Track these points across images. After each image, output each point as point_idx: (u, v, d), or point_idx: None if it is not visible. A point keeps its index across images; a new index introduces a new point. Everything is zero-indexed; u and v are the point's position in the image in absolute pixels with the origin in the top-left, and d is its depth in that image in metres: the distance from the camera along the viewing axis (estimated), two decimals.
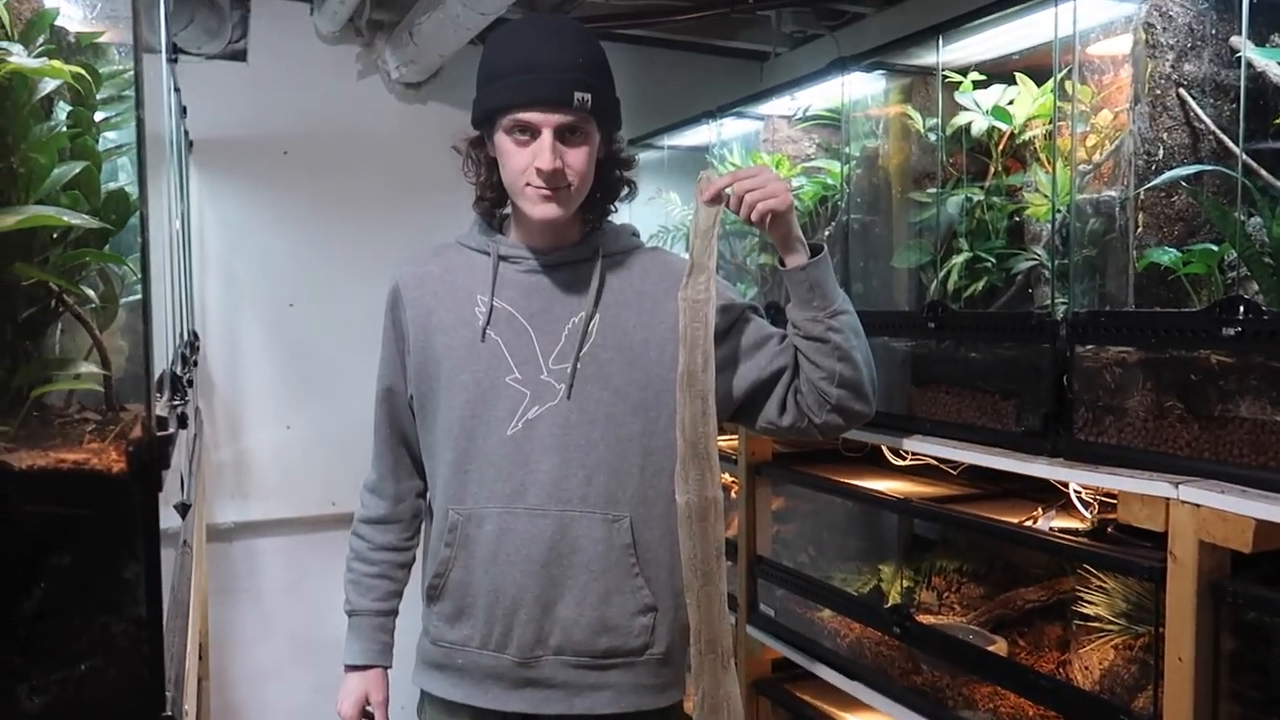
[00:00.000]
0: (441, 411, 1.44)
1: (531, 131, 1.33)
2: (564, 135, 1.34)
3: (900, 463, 2.09)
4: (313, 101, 2.77)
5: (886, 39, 1.97)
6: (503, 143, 1.36)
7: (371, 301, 1.48)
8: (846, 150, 2.08)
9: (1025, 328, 1.53)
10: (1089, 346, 1.43)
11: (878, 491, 1.92)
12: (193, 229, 2.65)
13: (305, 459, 2.78)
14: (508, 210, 1.51)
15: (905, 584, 2.09)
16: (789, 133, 2.42)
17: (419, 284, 1.49)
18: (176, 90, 2.02)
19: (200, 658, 2.51)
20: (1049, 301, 1.61)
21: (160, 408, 0.68)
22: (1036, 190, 1.65)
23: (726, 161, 2.52)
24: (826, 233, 2.17)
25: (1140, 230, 1.48)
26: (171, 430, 0.62)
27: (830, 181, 2.20)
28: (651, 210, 2.93)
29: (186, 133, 2.47)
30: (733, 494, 2.43)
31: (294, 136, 2.75)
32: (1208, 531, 1.20)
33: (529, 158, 1.34)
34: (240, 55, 2.73)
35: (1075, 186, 1.49)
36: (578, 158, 1.35)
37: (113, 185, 0.95)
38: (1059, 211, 1.54)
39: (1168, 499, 1.25)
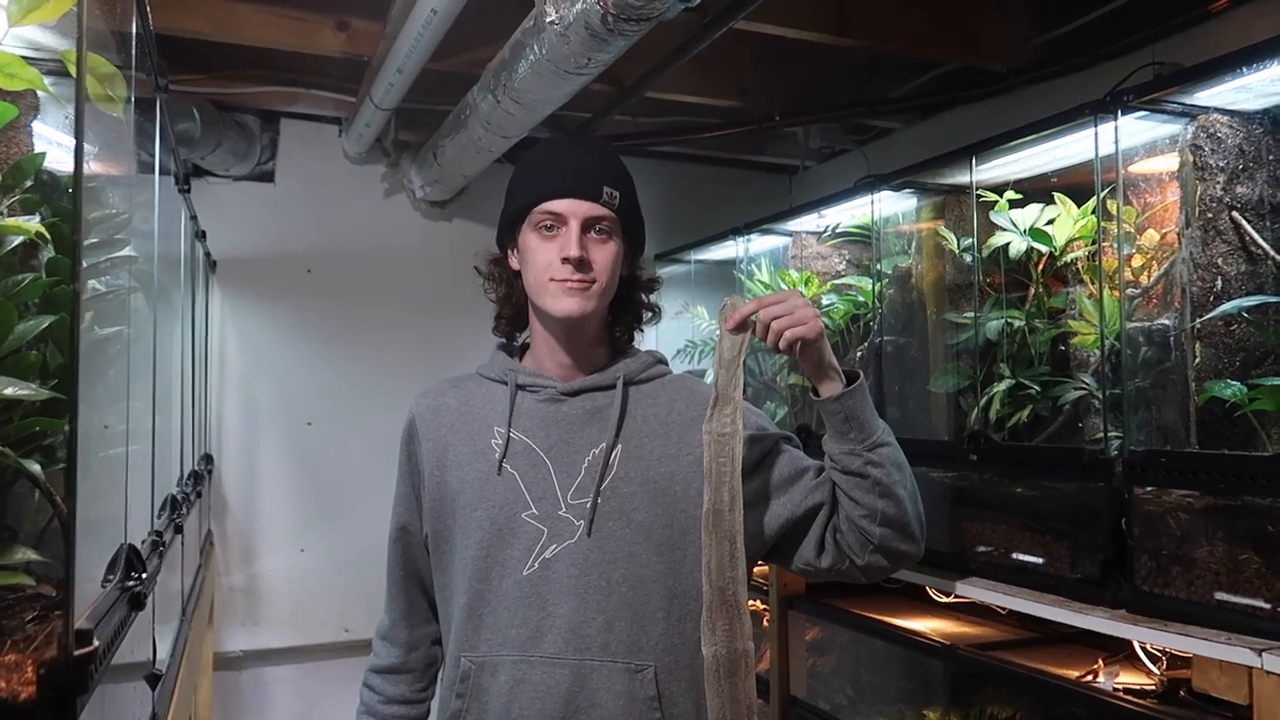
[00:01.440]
0: (457, 550, 1.36)
1: (558, 223, 1.31)
2: (591, 230, 1.31)
3: (944, 599, 1.95)
4: (338, 220, 2.77)
5: (915, 153, 1.93)
6: (528, 241, 1.33)
7: (390, 421, 1.43)
8: (878, 268, 2.01)
9: (1077, 465, 1.42)
10: (1149, 488, 1.32)
11: (920, 634, 1.78)
12: (213, 348, 2.62)
13: (319, 584, 2.68)
14: (528, 338, 1.45)
15: None
16: (818, 249, 2.37)
17: (435, 416, 1.43)
18: (193, 217, 2.00)
19: None
20: (1100, 435, 1.49)
21: (93, 607, 0.60)
22: (1081, 316, 1.56)
23: (755, 279, 2.46)
24: (859, 353, 2.09)
25: (1198, 361, 1.38)
26: (94, 646, 0.53)
27: (861, 299, 2.12)
28: (679, 325, 2.88)
29: (208, 253, 2.46)
30: (764, 623, 2.29)
31: (318, 255, 2.75)
32: None
33: (555, 250, 1.30)
34: (268, 176, 2.75)
35: (1124, 314, 1.39)
36: (604, 255, 1.32)
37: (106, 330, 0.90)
38: (1107, 339, 1.45)
39: (1250, 668, 1.11)
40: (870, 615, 1.93)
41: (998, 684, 1.70)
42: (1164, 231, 1.53)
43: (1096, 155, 1.47)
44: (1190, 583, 1.25)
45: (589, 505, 1.30)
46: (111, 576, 0.72)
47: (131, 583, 0.74)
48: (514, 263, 1.38)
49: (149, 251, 1.35)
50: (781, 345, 1.25)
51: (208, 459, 2.42)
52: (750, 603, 2.38)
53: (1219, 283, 1.31)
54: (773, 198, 3.06)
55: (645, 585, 1.29)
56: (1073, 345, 1.61)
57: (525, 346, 1.47)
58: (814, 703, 2.10)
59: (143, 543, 0.99)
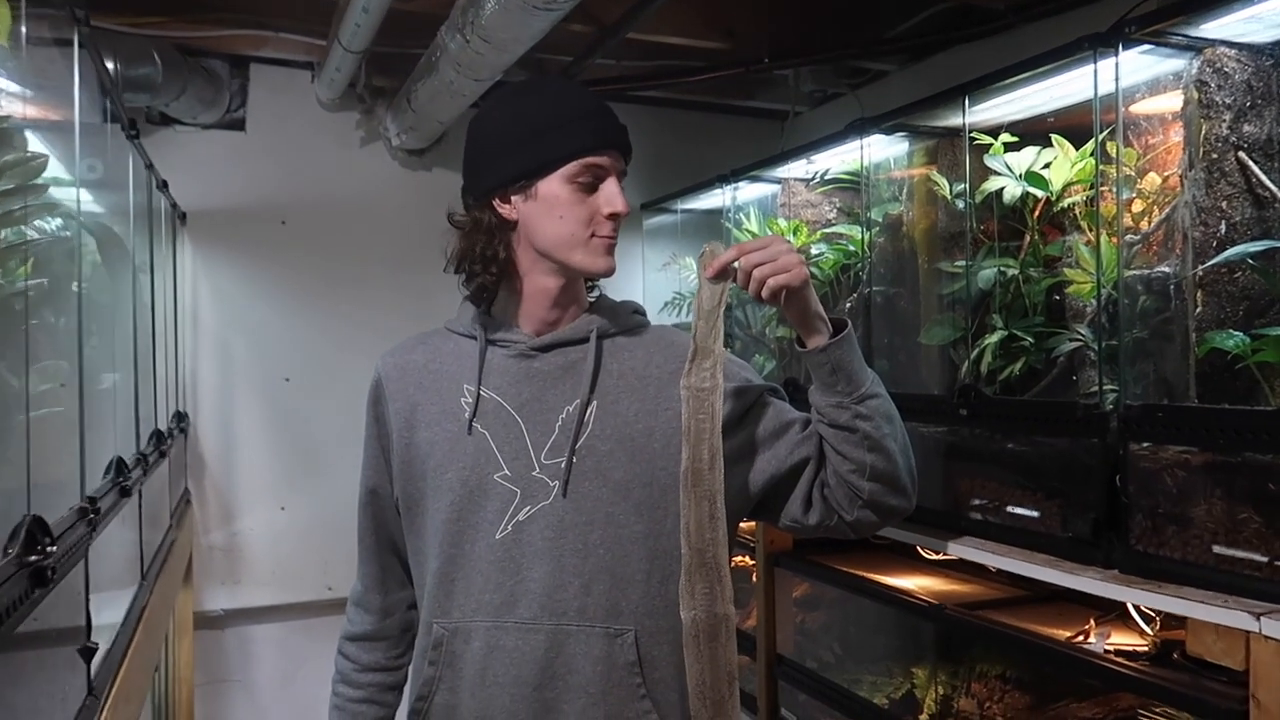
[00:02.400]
0: (428, 514, 1.31)
1: (596, 177, 1.25)
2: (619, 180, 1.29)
3: (934, 556, 1.91)
4: (313, 169, 2.68)
5: (910, 96, 1.84)
6: (560, 193, 1.25)
7: (370, 376, 1.38)
8: (868, 215, 1.93)
9: (1071, 420, 1.36)
10: (1145, 444, 1.26)
11: (908, 593, 1.73)
12: (185, 303, 2.55)
13: (300, 542, 2.64)
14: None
15: (941, 690, 1.89)
16: (807, 196, 2.28)
17: (402, 374, 1.36)
18: (149, 165, 1.92)
19: None
20: (1095, 388, 1.43)
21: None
22: (1078, 265, 1.49)
23: (743, 228, 2.38)
24: (848, 304, 2.02)
25: (1199, 310, 1.31)
26: None
27: (851, 248, 2.05)
28: (665, 277, 2.80)
29: (174, 205, 2.38)
30: (751, 579, 2.26)
31: (292, 206, 2.66)
32: None
33: (593, 205, 1.25)
34: (238, 124, 2.65)
35: (1123, 261, 1.32)
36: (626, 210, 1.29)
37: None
38: (1104, 288, 1.38)
39: (1248, 632, 1.06)
40: (858, 573, 1.89)
41: (987, 643, 1.66)
42: (1165, 175, 1.46)
43: (1095, 93, 1.38)
44: (1186, 543, 1.20)
45: (564, 465, 1.25)
46: (10, 550, 0.66)
47: (35, 557, 0.68)
48: (509, 213, 1.29)
49: (97, 202, 1.27)
50: (764, 294, 1.18)
51: (180, 417, 2.36)
52: (737, 559, 2.34)
53: (1223, 228, 1.24)
54: (764, 146, 2.96)
55: (624, 546, 1.24)
56: (1069, 295, 1.54)
57: (493, 298, 1.41)
58: (801, 660, 2.06)
59: (74, 509, 0.93)
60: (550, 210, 1.25)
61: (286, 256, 2.65)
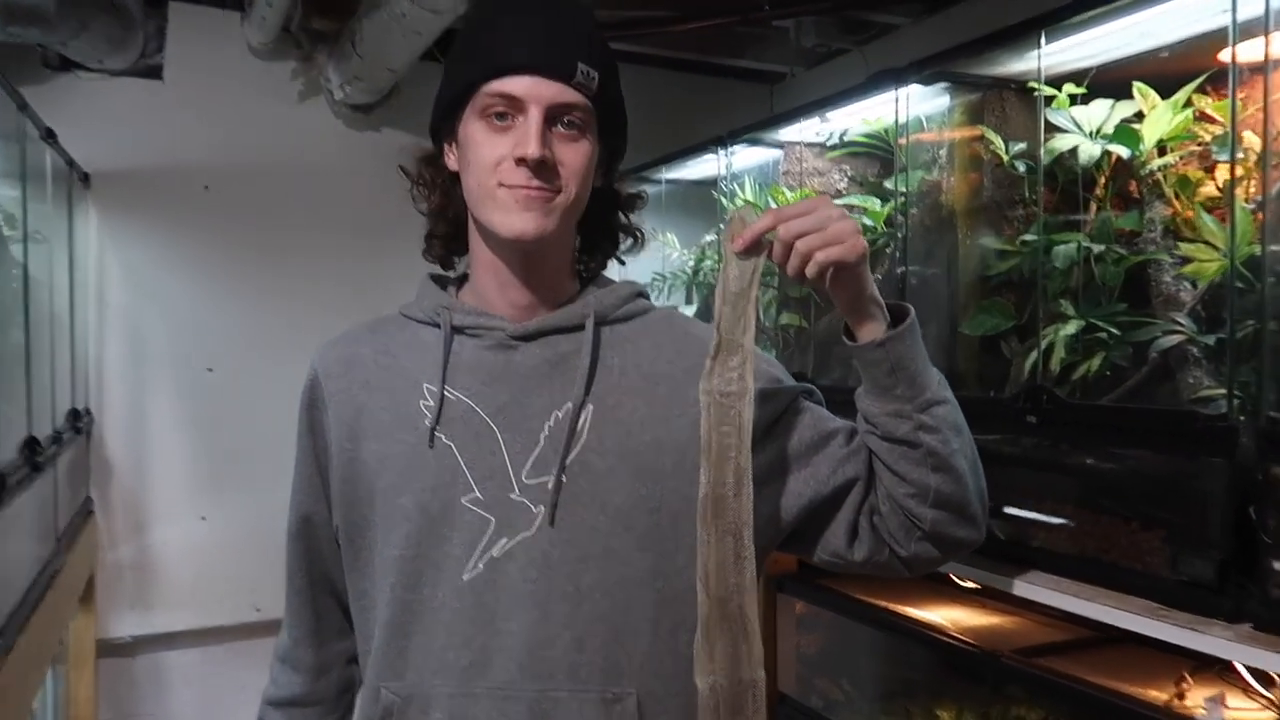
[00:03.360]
0: (377, 548, 1.03)
1: (514, 111, 0.97)
2: (558, 122, 0.98)
3: (967, 584, 1.63)
4: (241, 127, 2.33)
5: (922, 53, 1.55)
6: (472, 132, 0.99)
7: (306, 374, 1.10)
8: (900, 183, 1.65)
9: (1185, 433, 1.08)
10: None
11: (947, 632, 1.46)
12: (87, 280, 2.19)
13: (224, 557, 2.30)
14: (468, 267, 1.09)
15: None
16: (815, 163, 1.99)
17: (345, 372, 1.07)
18: (21, 106, 1.57)
19: None
20: (1204, 392, 1.16)
21: None
22: (1178, 238, 1.21)
23: (737, 200, 2.09)
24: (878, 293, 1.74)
25: None
26: None
27: (869, 222, 1.76)
28: (646, 255, 2.49)
29: (72, 164, 2.02)
30: None
31: (218, 168, 2.31)
32: None
33: (506, 146, 0.97)
34: (154, 72, 2.29)
35: (1268, 233, 1.04)
36: (574, 156, 0.99)
37: None
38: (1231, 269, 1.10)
39: None
40: (875, 602, 1.61)
41: (1053, 699, 1.39)
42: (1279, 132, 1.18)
43: (1234, 23, 1.10)
44: None
45: (551, 485, 0.98)
46: None
47: None
48: (452, 162, 1.04)
49: None
50: (810, 272, 0.91)
51: (76, 415, 2.01)
52: None
53: None
54: (752, 111, 2.67)
55: (626, 589, 0.98)
56: (1160, 279, 1.27)
57: (464, 278, 1.11)
58: (804, 699, 1.79)
59: None
60: (465, 155, 1.01)
61: (210, 227, 2.30)
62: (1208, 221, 1.13)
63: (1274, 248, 1.05)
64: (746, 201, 2.08)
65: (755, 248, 0.93)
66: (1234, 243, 1.06)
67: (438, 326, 1.05)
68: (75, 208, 2.10)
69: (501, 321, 1.03)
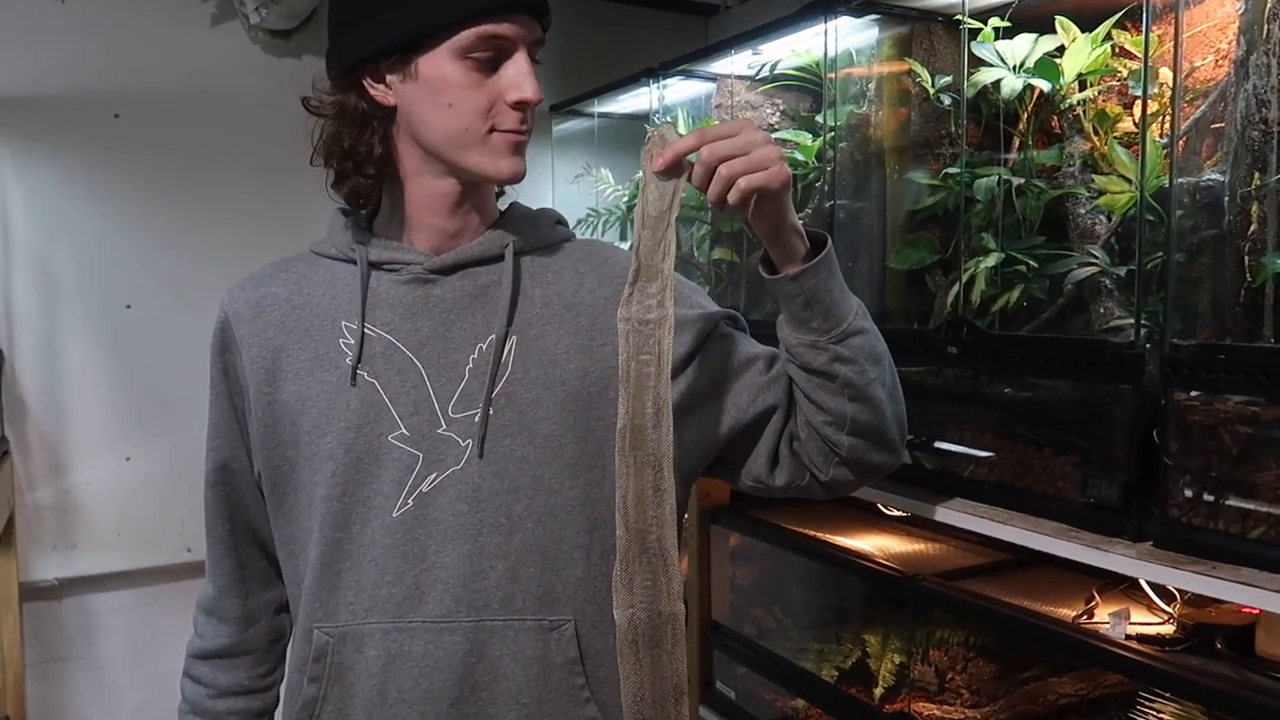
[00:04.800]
0: (302, 490, 1.02)
1: (498, 51, 0.96)
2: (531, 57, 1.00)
3: (893, 512, 1.68)
4: (151, 51, 2.20)
5: None
6: (450, 73, 0.95)
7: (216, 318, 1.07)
8: (828, 118, 1.64)
9: (1097, 361, 1.12)
10: (1195, 393, 1.02)
11: (872, 558, 1.50)
12: None
13: (151, 497, 2.24)
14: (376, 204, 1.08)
15: (897, 659, 1.68)
16: (748, 97, 1.97)
17: (257, 314, 1.05)
18: None
19: None
20: (1115, 322, 1.20)
21: None
22: (1096, 172, 1.24)
23: (681, 127, 2.06)
24: (799, 221, 1.74)
25: (1254, 228, 1.07)
26: None
27: (800, 156, 1.76)
28: (579, 191, 2.47)
29: None
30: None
31: (128, 95, 2.19)
32: None
33: (491, 91, 0.96)
34: None
35: (1175, 165, 1.07)
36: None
37: None
38: (1140, 202, 1.13)
39: None
40: (809, 532, 1.65)
41: (963, 614, 1.45)
42: (1195, 65, 1.21)
43: None
44: (1248, 515, 0.97)
45: (478, 418, 0.98)
46: None
47: None
48: (385, 98, 0.99)
49: None
50: (732, 198, 0.91)
51: None
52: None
53: None
54: (686, 42, 2.63)
55: (557, 517, 0.99)
56: (1077, 212, 1.29)
57: (373, 211, 1.09)
58: (738, 626, 1.83)
59: None
60: (436, 96, 0.96)
61: (122, 158, 2.19)
62: (1121, 154, 1.15)
63: (1182, 181, 1.08)
64: (666, 121, 2.05)
65: (676, 169, 0.91)
66: (1144, 175, 1.08)
67: (353, 263, 1.03)
68: None
69: (418, 255, 1.02)
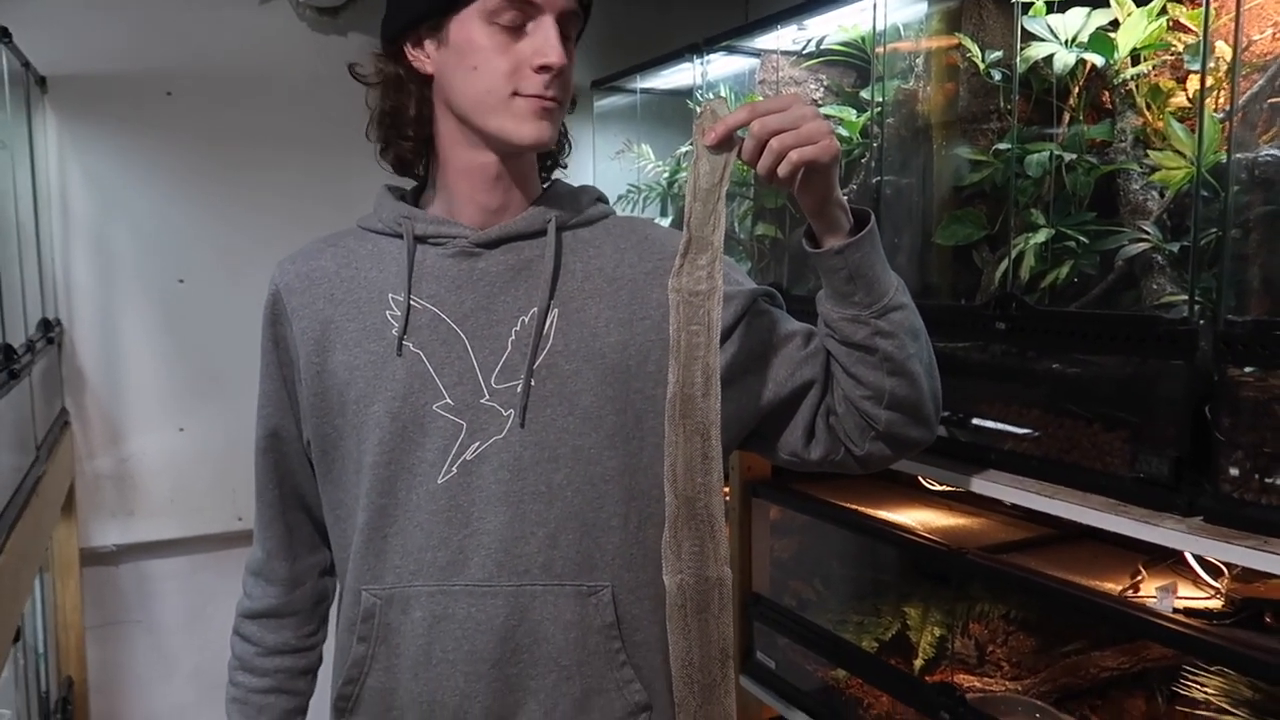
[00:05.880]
0: (349, 458, 1.05)
1: (529, 16, 0.98)
2: (562, 28, 1.00)
3: (936, 486, 1.69)
4: (202, 31, 2.25)
5: None
6: (477, 36, 0.98)
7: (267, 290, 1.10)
8: (875, 93, 1.64)
9: (1147, 337, 1.12)
10: (1249, 369, 1.02)
11: (915, 532, 1.52)
12: (50, 188, 2.14)
13: (203, 467, 2.31)
14: (422, 175, 1.10)
15: (937, 631, 1.70)
16: (791, 72, 1.97)
17: (308, 286, 1.08)
18: None
19: (72, 714, 2.07)
20: (1166, 298, 1.20)
21: None
22: (1148, 147, 1.23)
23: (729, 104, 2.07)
24: (845, 197, 1.74)
25: None
26: None
27: (844, 133, 1.76)
28: (620, 167, 2.48)
29: (28, 65, 1.95)
30: None
31: (180, 74, 2.24)
32: None
33: (521, 54, 0.98)
34: None
35: (1233, 140, 1.06)
36: (572, 64, 1.01)
37: None
38: (1197, 177, 1.13)
39: None
40: (848, 505, 1.67)
41: (1016, 591, 1.46)
42: (1252, 40, 1.20)
43: None
44: None
45: (520, 389, 1.00)
46: None
47: None
48: (424, 65, 1.02)
49: None
50: (782, 171, 0.92)
51: (48, 325, 1.99)
52: None
53: None
54: (725, 18, 2.61)
55: (596, 486, 1.01)
56: (1129, 188, 1.29)
57: (420, 187, 1.12)
58: (778, 598, 1.86)
59: None
60: (463, 59, 0.98)
61: (175, 135, 2.24)
62: (1177, 129, 1.14)
63: (1239, 156, 1.07)
64: (718, 96, 2.06)
65: (727, 143, 0.93)
66: (1201, 150, 1.08)
67: (399, 237, 1.05)
68: (33, 113, 2.03)
69: (464, 229, 1.04)
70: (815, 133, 0.91)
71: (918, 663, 1.63)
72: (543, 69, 0.96)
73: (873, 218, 0.98)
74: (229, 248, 2.28)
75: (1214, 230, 1.12)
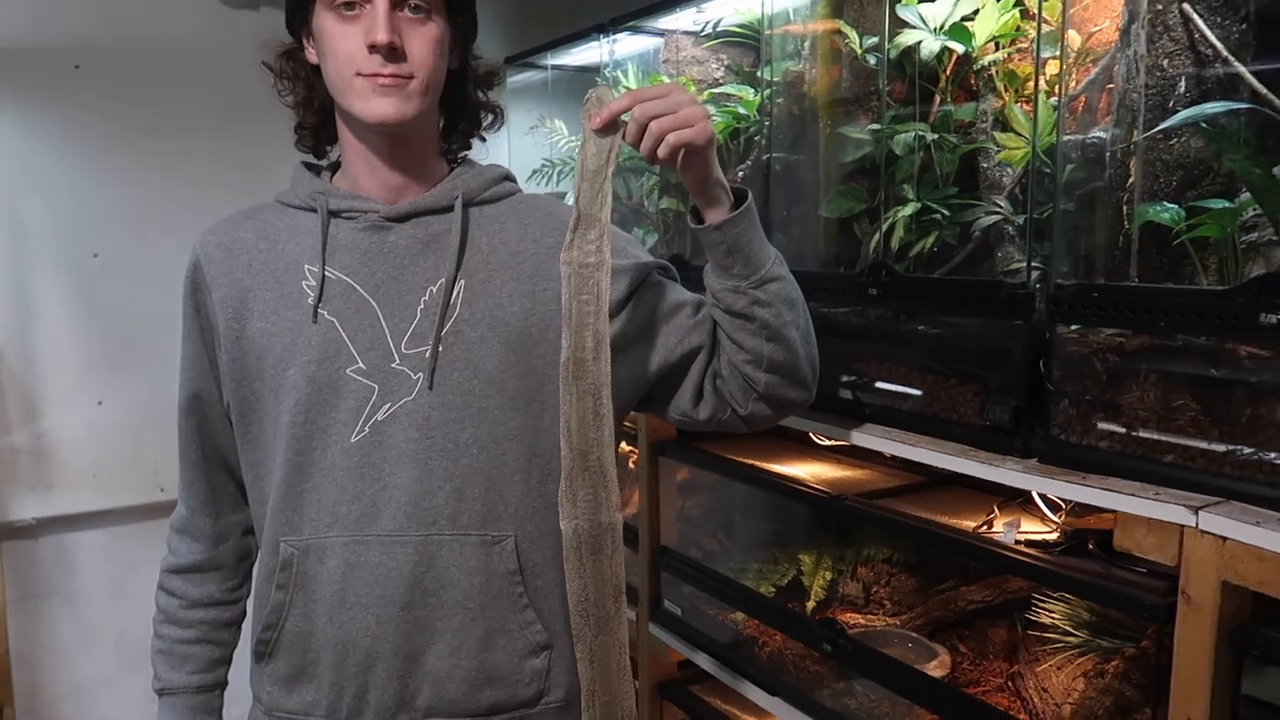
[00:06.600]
0: (267, 419, 1.13)
1: (359, 3, 1.04)
2: (402, 7, 1.05)
3: (826, 442, 1.82)
4: (109, 3, 2.24)
5: None
6: (324, 24, 1.06)
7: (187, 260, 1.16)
8: (766, 73, 1.75)
9: (993, 300, 1.25)
10: (1074, 327, 1.16)
11: (804, 483, 1.64)
12: None
13: (123, 439, 2.33)
14: (339, 155, 1.17)
15: (828, 576, 1.84)
16: (694, 52, 2.07)
17: (227, 256, 1.15)
18: None
19: None
20: (1014, 265, 1.33)
21: None
22: (1006, 128, 1.36)
23: (621, 85, 2.15)
24: (740, 173, 1.85)
25: (1131, 180, 1.21)
26: None
27: (743, 110, 1.87)
28: (534, 142, 2.55)
29: None
30: (630, 465, 2.14)
31: (89, 47, 2.23)
32: (1236, 572, 0.96)
33: (357, 35, 1.04)
34: None
35: (1060, 124, 1.20)
36: (421, 43, 1.06)
37: None
38: (1032, 156, 1.26)
39: (1183, 527, 1.00)
40: (749, 461, 1.79)
41: (882, 530, 1.60)
42: (1092, 31, 1.33)
43: None
44: (1114, 431, 1.12)
45: (428, 354, 1.09)
46: None
47: None
48: (311, 55, 1.10)
49: None
50: (661, 152, 1.01)
51: None
52: (619, 447, 2.19)
53: (1182, 86, 1.12)
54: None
55: (499, 445, 1.10)
56: (986, 165, 1.42)
57: (336, 165, 1.19)
58: (684, 550, 1.98)
59: None
60: (321, 49, 1.08)
61: (85, 109, 2.24)
62: (1017, 113, 1.27)
63: (1069, 138, 1.21)
64: (602, 83, 2.14)
65: (612, 127, 1.02)
66: (1035, 132, 1.21)
67: (314, 211, 1.12)
68: None
69: (375, 204, 1.12)
70: (691, 117, 1.00)
71: (810, 604, 1.77)
72: (372, 48, 1.03)
73: (750, 196, 1.08)
74: (143, 221, 2.30)
75: (1064, 204, 1.26)
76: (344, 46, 1.04)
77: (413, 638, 1.10)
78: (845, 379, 1.49)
